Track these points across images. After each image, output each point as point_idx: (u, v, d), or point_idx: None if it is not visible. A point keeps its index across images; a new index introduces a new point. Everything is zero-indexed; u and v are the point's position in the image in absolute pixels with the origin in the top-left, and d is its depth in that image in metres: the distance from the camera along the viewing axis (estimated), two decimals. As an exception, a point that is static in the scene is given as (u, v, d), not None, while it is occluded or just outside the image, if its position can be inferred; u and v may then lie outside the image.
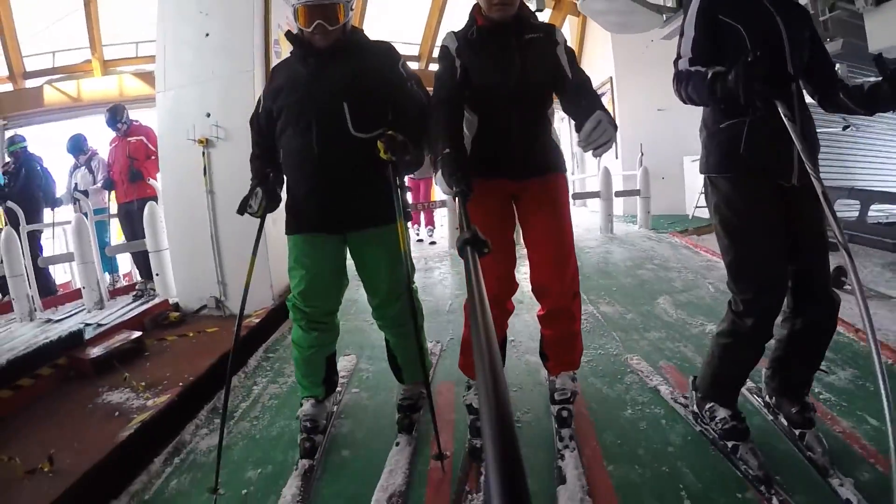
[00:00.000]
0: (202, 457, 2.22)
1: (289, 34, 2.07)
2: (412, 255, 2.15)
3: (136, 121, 5.20)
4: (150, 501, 1.96)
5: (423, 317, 2.29)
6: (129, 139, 5.00)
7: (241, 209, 2.06)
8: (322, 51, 2.00)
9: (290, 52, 2.10)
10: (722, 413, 1.96)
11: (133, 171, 4.89)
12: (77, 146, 5.54)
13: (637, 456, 1.96)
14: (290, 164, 2.07)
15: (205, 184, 3.91)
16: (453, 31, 2.03)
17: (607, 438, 2.07)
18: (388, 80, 2.05)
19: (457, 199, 1.62)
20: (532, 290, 2.05)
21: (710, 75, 1.67)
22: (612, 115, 1.72)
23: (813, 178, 1.63)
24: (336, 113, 1.96)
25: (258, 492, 1.95)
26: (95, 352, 3.23)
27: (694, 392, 2.11)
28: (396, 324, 2.17)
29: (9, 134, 8.26)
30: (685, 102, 1.84)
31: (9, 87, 8.58)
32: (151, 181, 4.96)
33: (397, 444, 2.10)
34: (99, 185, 5.41)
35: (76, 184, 5.41)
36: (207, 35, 3.91)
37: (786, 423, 2.00)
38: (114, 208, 5.56)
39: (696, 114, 1.96)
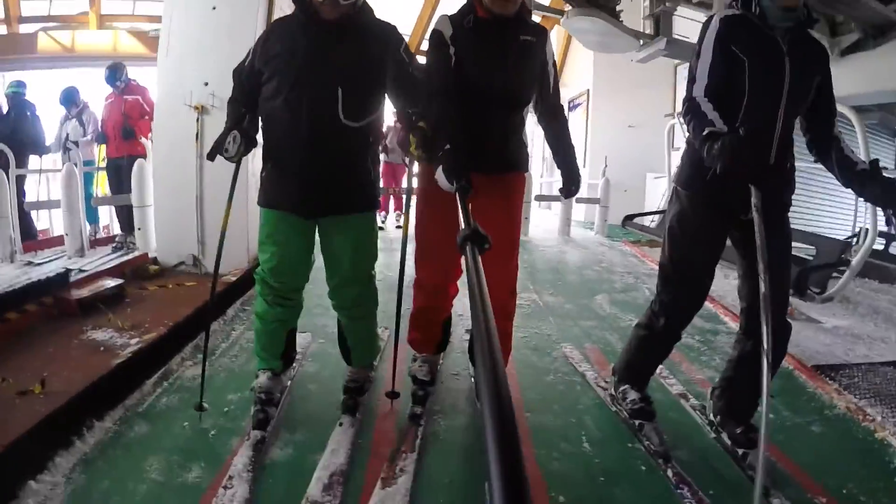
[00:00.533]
0: (188, 382, 2.52)
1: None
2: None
3: (134, 80, 5.33)
4: (143, 413, 2.25)
5: (378, 303, 2.29)
6: (125, 97, 5.13)
7: (213, 153, 1.99)
8: (327, 24, 1.89)
9: (292, 14, 1.99)
10: (632, 395, 2.18)
11: (127, 128, 5.02)
12: (69, 98, 5.67)
13: (552, 409, 2.37)
14: (273, 135, 2.02)
15: (196, 148, 4.15)
16: (447, 16, 1.99)
17: (529, 394, 2.49)
18: (386, 67, 1.98)
19: (457, 194, 1.63)
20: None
21: (705, 132, 1.67)
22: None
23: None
24: (329, 97, 1.91)
25: (237, 409, 2.26)
26: (80, 293, 3.49)
27: (613, 377, 2.33)
28: (352, 306, 2.19)
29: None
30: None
31: (2, 29, 8.56)
32: (143, 140, 5.14)
33: (340, 425, 2.12)
34: (89, 137, 5.59)
35: (67, 134, 5.54)
36: (214, 8, 4.15)
37: (729, 442, 2.07)
38: (102, 163, 5.72)
39: (663, 135, 2.24)
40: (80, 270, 4.04)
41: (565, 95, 11.63)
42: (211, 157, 1.99)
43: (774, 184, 1.83)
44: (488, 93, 1.96)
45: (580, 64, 10.21)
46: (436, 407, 2.32)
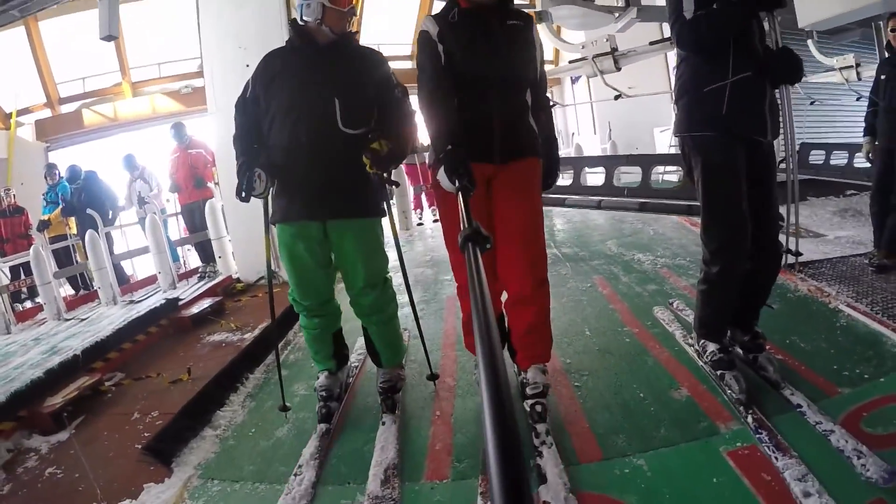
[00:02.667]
0: (290, 363, 3.20)
1: (294, 23, 2.15)
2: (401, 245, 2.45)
3: (193, 136, 6.29)
4: (266, 381, 3.01)
5: (397, 305, 2.40)
6: (190, 151, 6.05)
7: (247, 195, 2.07)
8: (320, 46, 2.10)
9: (287, 42, 2.19)
10: (711, 347, 2.24)
11: (198, 178, 5.98)
12: (130, 164, 6.71)
13: (565, 312, 3.08)
14: (277, 150, 2.11)
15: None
16: (431, 15, 2.00)
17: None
18: (377, 83, 2.14)
19: (459, 193, 1.60)
20: (499, 277, 2.10)
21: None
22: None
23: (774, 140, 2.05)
24: (327, 107, 2.03)
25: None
26: (190, 312, 4.40)
27: (695, 334, 2.39)
28: (372, 312, 2.29)
29: (51, 156, 9.38)
30: (699, 46, 2.04)
31: (47, 112, 9.71)
32: (210, 185, 6.09)
33: (383, 423, 2.22)
34: (155, 192, 6.64)
35: (139, 192, 6.60)
36: (248, 66, 4.98)
37: (740, 350, 2.31)
38: (172, 208, 6.73)
39: (662, 94, 2.66)
40: (178, 298, 4.95)
41: (564, 71, 12.22)
42: (246, 198, 2.09)
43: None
44: (486, 80, 1.95)
45: (574, 37, 10.71)
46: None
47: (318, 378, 2.38)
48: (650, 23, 6.99)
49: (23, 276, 6.12)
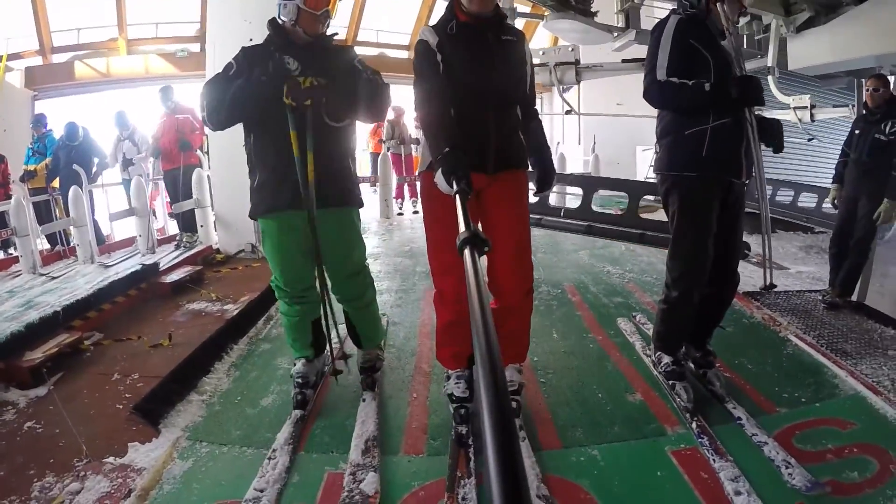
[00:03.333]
0: (273, 337, 3.30)
1: (273, 22, 2.18)
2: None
3: (179, 101, 6.04)
4: (250, 353, 3.11)
5: (375, 290, 2.56)
6: (177, 116, 5.82)
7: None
8: (302, 46, 2.16)
9: (266, 41, 2.20)
10: (665, 359, 2.45)
11: (184, 141, 5.76)
12: (122, 122, 6.36)
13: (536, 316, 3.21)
14: (262, 142, 2.17)
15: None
16: (430, 26, 2.05)
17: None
18: (352, 74, 2.21)
19: (456, 197, 1.57)
20: (488, 285, 2.12)
21: (708, 88, 2.07)
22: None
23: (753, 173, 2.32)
24: (314, 103, 2.08)
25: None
26: (170, 278, 4.45)
27: (652, 346, 2.59)
28: (353, 298, 2.43)
29: (38, 105, 9.15)
30: (661, 106, 2.26)
31: (38, 60, 9.46)
32: (198, 152, 6.01)
33: (364, 400, 2.38)
34: (143, 154, 6.29)
35: (125, 153, 6.32)
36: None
37: (692, 365, 2.56)
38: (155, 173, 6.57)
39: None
40: (156, 263, 4.98)
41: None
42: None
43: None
44: (481, 93, 1.99)
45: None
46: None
47: (294, 365, 2.45)
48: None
49: (-1, 226, 5.97)
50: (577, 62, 6.08)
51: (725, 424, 2.21)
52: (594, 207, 5.79)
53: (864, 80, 4.10)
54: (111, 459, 2.12)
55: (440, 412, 2.36)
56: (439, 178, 1.77)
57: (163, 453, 2.12)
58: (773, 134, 2.27)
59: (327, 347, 2.51)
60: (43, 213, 6.30)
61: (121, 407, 2.52)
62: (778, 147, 2.29)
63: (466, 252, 1.07)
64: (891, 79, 3.98)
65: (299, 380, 2.37)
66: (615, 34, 6.56)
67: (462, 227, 1.24)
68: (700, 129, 2.18)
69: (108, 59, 9.42)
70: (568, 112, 7.23)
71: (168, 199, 6.58)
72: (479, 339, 0.73)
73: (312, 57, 2.15)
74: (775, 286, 3.42)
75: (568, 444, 2.13)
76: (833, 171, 4.03)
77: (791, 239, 6.78)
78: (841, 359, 2.76)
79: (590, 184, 5.94)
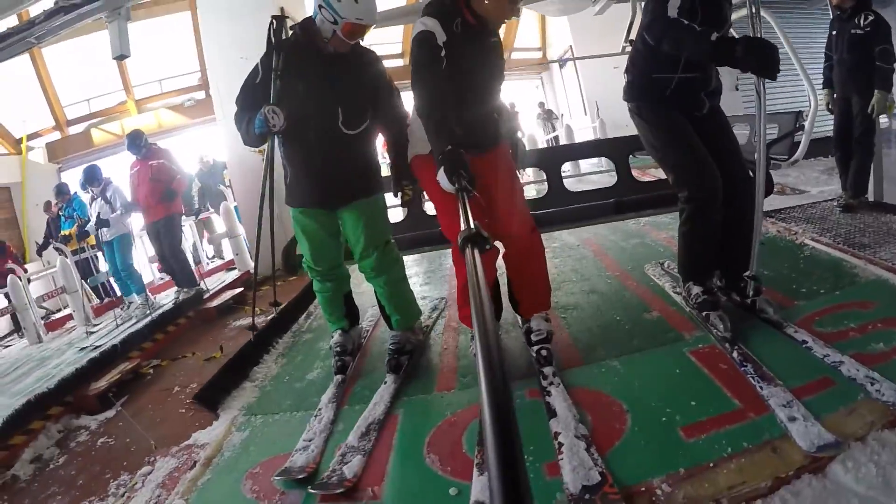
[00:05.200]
0: (314, 328, 3.50)
1: (305, 24, 2.28)
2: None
3: (155, 144, 5.41)
4: (294, 343, 3.32)
5: (403, 268, 2.58)
6: (150, 163, 5.10)
7: (262, 137, 2.28)
8: (328, 56, 2.27)
9: (292, 35, 2.34)
10: (695, 290, 2.31)
11: (169, 190, 5.07)
12: (91, 177, 5.36)
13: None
14: (290, 145, 2.35)
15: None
16: (436, 19, 2.01)
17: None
18: (374, 85, 2.35)
19: (458, 195, 1.65)
20: (492, 231, 2.15)
21: (714, 38, 1.89)
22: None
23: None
24: (332, 114, 2.26)
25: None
26: (216, 302, 4.74)
27: (680, 279, 2.47)
28: (376, 274, 2.47)
29: (64, 176, 9.71)
30: (661, 43, 2.06)
31: (56, 135, 10.05)
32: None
33: (385, 383, 2.38)
34: (119, 212, 5.31)
35: (98, 214, 5.35)
36: (245, 58, 5.28)
37: (738, 297, 2.34)
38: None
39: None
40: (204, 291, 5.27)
41: (552, 55, 12.51)
42: (260, 141, 2.35)
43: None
44: (477, 90, 2.13)
45: (558, 24, 11.00)
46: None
47: (332, 337, 2.64)
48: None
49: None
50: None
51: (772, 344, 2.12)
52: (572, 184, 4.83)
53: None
54: (177, 445, 2.35)
55: (469, 357, 2.52)
56: (441, 176, 1.81)
57: (222, 430, 2.33)
58: (761, 60, 1.91)
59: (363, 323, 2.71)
60: (84, 270, 6.43)
61: (184, 411, 2.75)
62: (770, 74, 1.96)
63: (468, 250, 1.09)
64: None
65: (338, 348, 2.58)
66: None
67: (463, 224, 1.28)
68: (666, 77, 2.20)
69: (121, 122, 9.92)
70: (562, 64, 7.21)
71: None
72: (482, 337, 0.73)
73: (333, 64, 2.28)
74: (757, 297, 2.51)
75: (589, 361, 2.24)
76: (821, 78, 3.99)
77: (812, 165, 6.63)
78: (859, 251, 2.75)
79: (553, 157, 4.21)
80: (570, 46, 10.79)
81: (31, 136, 9.54)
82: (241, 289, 5.06)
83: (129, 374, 3.47)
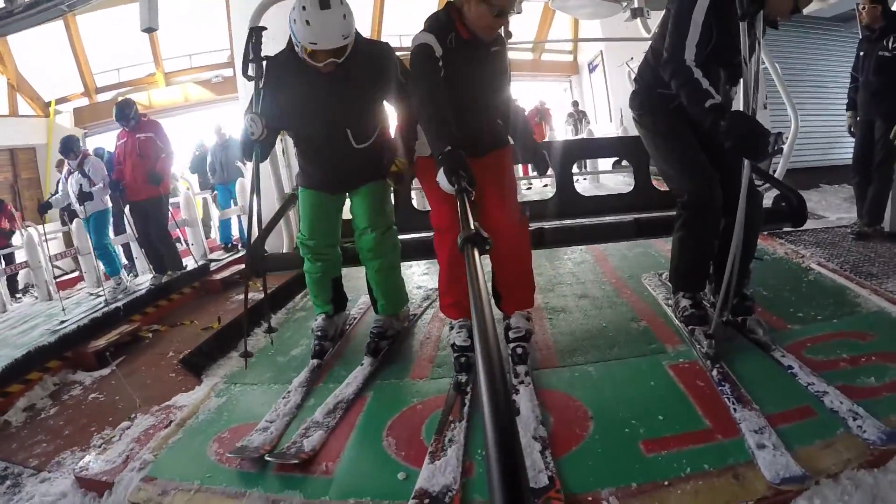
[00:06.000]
0: (309, 307, 3.53)
1: (291, 45, 2.18)
2: None
3: (146, 116, 5.05)
4: (287, 319, 3.41)
5: (399, 255, 2.58)
6: (137, 135, 4.78)
7: (249, 150, 2.27)
8: (324, 74, 2.16)
9: (288, 48, 2.23)
10: (684, 303, 2.29)
11: (152, 174, 4.74)
12: (68, 147, 4.98)
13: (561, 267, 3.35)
14: (300, 149, 2.46)
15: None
16: (432, 34, 2.05)
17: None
18: (385, 88, 2.29)
19: (458, 195, 1.64)
20: (488, 218, 2.17)
21: (708, 105, 1.88)
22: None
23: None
24: (340, 134, 2.27)
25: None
26: (222, 275, 4.82)
27: (671, 288, 2.44)
28: (373, 256, 2.46)
29: (89, 142, 9.94)
30: (671, 85, 2.03)
31: (84, 101, 10.30)
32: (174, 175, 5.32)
33: (362, 364, 2.39)
34: (100, 185, 4.95)
35: (80, 187, 4.95)
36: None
37: (729, 315, 2.27)
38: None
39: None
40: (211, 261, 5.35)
41: (582, 60, 12.40)
42: (248, 154, 2.34)
43: None
44: (475, 101, 2.14)
45: (589, 30, 10.90)
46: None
47: (315, 320, 2.64)
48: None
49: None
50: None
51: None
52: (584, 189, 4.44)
53: (858, 5, 3.92)
54: (158, 405, 2.43)
55: (447, 348, 2.45)
56: (441, 177, 1.81)
57: (202, 394, 2.39)
58: (743, 141, 1.84)
59: (347, 305, 2.71)
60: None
61: (173, 375, 2.82)
62: (751, 156, 1.91)
63: (468, 249, 1.09)
64: None
65: (318, 332, 2.57)
66: (624, 4, 6.52)
67: (463, 225, 1.28)
68: (670, 93, 2.15)
69: (148, 93, 10.16)
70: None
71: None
72: (482, 337, 0.73)
73: (332, 80, 2.17)
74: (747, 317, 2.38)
75: (564, 364, 2.23)
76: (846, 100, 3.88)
77: (836, 192, 6.47)
78: (865, 280, 2.68)
79: (565, 153, 3.57)
80: (601, 51, 10.69)
81: (59, 101, 9.79)
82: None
83: (128, 336, 3.55)
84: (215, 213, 7.06)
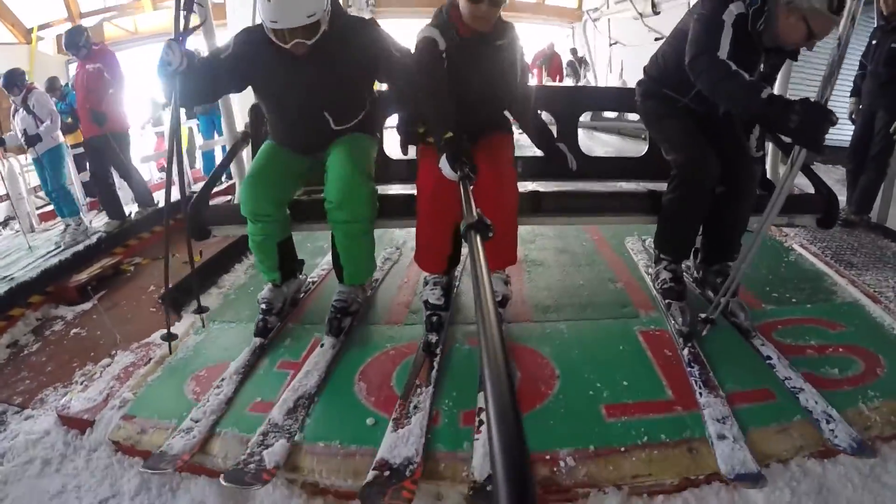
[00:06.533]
0: None
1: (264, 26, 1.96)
2: None
3: (100, 44, 4.57)
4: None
5: (372, 219, 2.18)
6: (87, 66, 4.34)
7: (167, 83, 1.95)
8: (298, 56, 1.98)
9: (256, 32, 2.03)
10: (664, 275, 2.24)
11: (96, 114, 4.32)
12: (9, 81, 4.42)
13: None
14: (272, 118, 2.24)
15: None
16: (436, 27, 2.03)
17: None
18: (368, 66, 2.09)
19: (460, 183, 1.60)
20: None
21: (766, 95, 1.74)
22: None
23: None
24: (318, 116, 2.08)
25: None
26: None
27: (654, 256, 2.38)
28: (344, 217, 2.09)
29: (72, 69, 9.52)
30: (704, 82, 1.91)
31: (68, 27, 9.75)
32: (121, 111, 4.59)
33: (321, 346, 2.08)
34: (48, 122, 4.43)
35: (25, 129, 4.43)
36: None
37: (711, 293, 2.24)
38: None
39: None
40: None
41: (588, 5, 11.95)
42: (166, 90, 2.00)
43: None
44: (476, 98, 2.09)
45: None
46: (452, 328, 2.21)
47: (262, 289, 2.34)
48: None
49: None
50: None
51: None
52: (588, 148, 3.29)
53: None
54: (138, 342, 2.46)
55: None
56: (443, 163, 1.79)
57: (181, 332, 2.41)
58: (814, 133, 1.71)
59: (297, 273, 2.50)
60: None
61: (154, 310, 2.85)
62: (818, 148, 1.74)
63: (471, 236, 1.07)
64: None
65: (263, 305, 2.27)
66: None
67: (466, 212, 1.26)
68: (676, 97, 2.17)
69: (134, 19, 9.67)
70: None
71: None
72: (486, 331, 0.69)
73: (320, 55, 1.99)
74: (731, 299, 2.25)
75: (537, 319, 2.27)
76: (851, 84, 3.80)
77: (830, 172, 6.43)
78: (844, 269, 2.69)
79: (569, 101, 2.87)
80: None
81: (42, 27, 9.27)
82: (230, 197, 5.04)
83: (110, 269, 3.56)
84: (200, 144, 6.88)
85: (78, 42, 4.30)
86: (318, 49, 1.96)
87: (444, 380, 1.91)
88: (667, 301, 2.22)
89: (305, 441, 1.70)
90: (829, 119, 1.67)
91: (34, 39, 9.12)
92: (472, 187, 1.57)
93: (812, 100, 1.69)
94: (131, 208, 4.81)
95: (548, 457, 1.58)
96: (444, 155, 1.78)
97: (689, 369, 1.90)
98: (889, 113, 3.41)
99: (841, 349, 2.02)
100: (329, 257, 2.83)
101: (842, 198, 4.07)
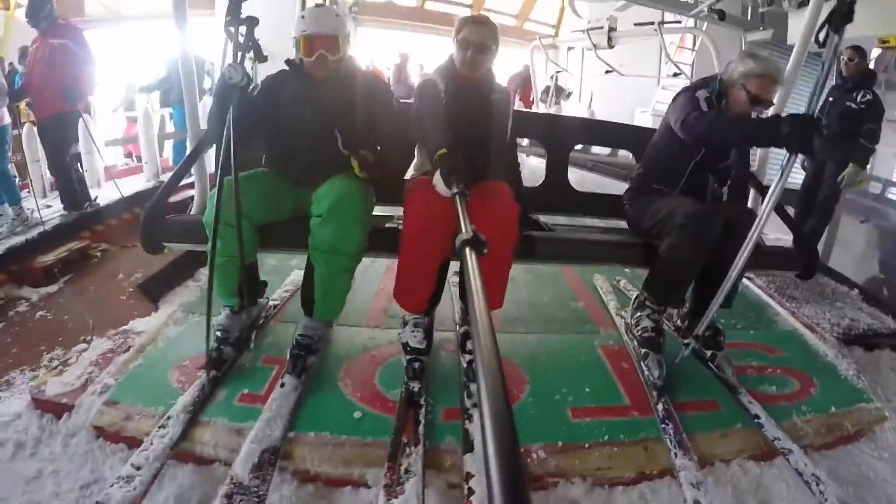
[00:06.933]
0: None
1: (288, 62, 2.14)
2: None
3: (64, 19, 4.13)
4: None
5: (359, 259, 2.05)
6: (50, 41, 3.90)
7: (224, 97, 1.82)
8: (317, 79, 2.10)
9: (281, 72, 2.16)
10: (645, 323, 2.18)
11: (72, 91, 3.97)
12: None
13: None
14: (275, 154, 2.22)
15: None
16: (437, 73, 2.13)
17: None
18: (376, 115, 2.15)
19: (455, 199, 1.54)
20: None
21: (754, 117, 2.02)
22: None
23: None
24: (327, 133, 2.07)
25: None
26: (176, 198, 4.64)
27: (632, 306, 2.32)
28: (329, 249, 1.95)
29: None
30: (704, 135, 2.08)
31: (50, -3, 9.43)
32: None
33: (282, 386, 1.92)
34: None
35: None
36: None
37: (698, 346, 2.22)
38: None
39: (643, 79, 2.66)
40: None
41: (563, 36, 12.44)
42: (222, 105, 1.83)
43: None
44: (469, 143, 1.99)
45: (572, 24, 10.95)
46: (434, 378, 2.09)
47: (219, 314, 2.14)
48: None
49: None
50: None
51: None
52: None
53: (841, 51, 4.17)
54: (114, 329, 2.45)
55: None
56: (437, 180, 1.74)
57: (160, 322, 2.43)
58: (805, 140, 1.89)
59: (259, 299, 2.36)
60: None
61: (125, 298, 2.81)
62: (813, 154, 2.07)
63: (466, 253, 1.07)
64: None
65: (218, 333, 2.09)
66: (618, -7, 6.58)
67: (462, 229, 1.23)
68: (666, 191, 2.29)
69: (118, -4, 9.42)
70: (608, 72, 7.50)
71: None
72: (481, 346, 0.73)
73: (335, 85, 2.10)
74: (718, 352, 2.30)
75: (507, 330, 2.47)
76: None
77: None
78: (787, 301, 2.97)
79: (566, 132, 2.90)
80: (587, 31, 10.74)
81: (20, -5, 8.94)
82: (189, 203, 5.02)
83: (76, 253, 3.48)
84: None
85: (39, 13, 3.86)
86: (335, 75, 2.10)
87: (431, 439, 1.79)
88: (643, 350, 2.17)
89: (296, 432, 1.79)
90: (817, 126, 1.89)
91: (12, 5, 8.77)
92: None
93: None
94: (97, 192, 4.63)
95: (521, 450, 1.72)
96: (438, 171, 1.73)
97: (662, 426, 1.92)
98: (838, 165, 3.71)
99: (779, 370, 2.29)
100: (294, 277, 2.82)
101: (789, 237, 4.50)
